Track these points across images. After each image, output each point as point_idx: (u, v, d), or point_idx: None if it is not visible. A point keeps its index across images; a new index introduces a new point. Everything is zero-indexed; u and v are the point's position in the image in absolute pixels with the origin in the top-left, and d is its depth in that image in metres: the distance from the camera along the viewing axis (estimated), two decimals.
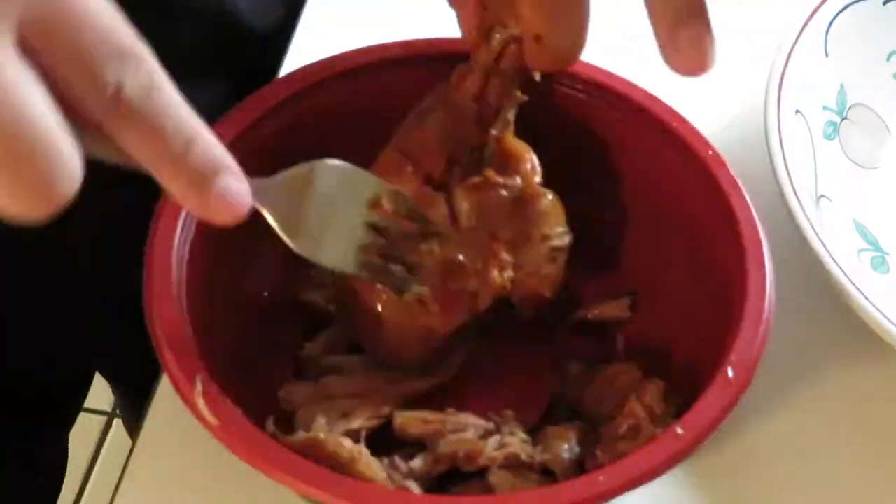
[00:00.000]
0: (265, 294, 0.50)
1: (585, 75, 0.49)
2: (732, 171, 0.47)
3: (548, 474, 0.44)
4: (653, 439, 0.41)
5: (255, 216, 0.38)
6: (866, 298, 0.48)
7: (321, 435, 0.42)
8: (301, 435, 0.42)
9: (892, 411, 0.52)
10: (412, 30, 0.51)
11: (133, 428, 0.50)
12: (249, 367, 0.47)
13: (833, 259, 0.49)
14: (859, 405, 0.52)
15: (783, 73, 0.55)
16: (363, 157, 0.45)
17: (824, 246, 0.49)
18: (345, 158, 0.42)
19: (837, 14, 0.58)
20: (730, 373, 0.41)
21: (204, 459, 0.48)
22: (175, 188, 0.33)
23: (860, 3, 0.59)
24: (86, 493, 0.99)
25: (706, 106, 0.49)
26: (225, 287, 0.47)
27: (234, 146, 0.35)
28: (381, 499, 0.39)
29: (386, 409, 0.46)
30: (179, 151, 0.33)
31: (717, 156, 0.47)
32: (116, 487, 0.48)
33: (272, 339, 0.49)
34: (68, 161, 0.30)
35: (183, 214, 0.44)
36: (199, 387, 0.39)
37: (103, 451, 1.07)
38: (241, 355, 0.47)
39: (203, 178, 0.33)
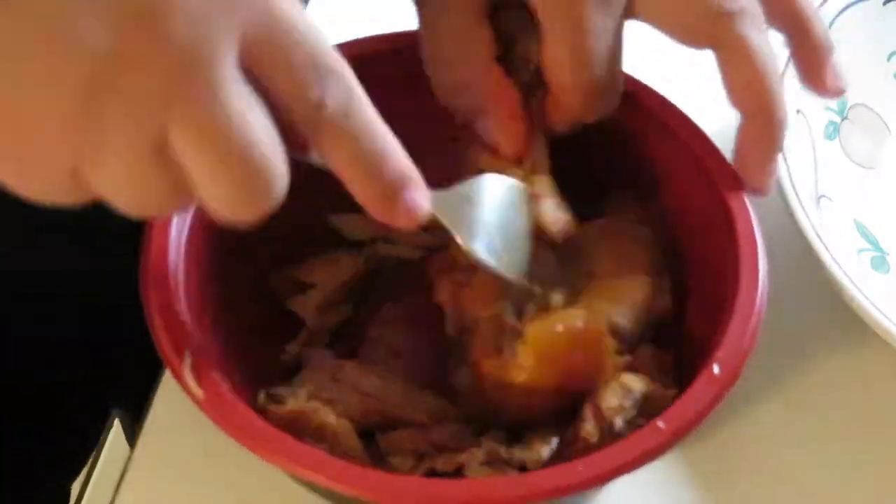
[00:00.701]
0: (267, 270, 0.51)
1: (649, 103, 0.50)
2: (732, 166, 0.47)
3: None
4: (634, 433, 0.41)
5: None
6: (866, 298, 0.48)
7: (309, 405, 0.42)
8: (290, 404, 0.42)
9: (885, 404, 0.52)
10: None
11: (131, 435, 0.50)
12: (252, 337, 0.47)
13: (833, 259, 0.49)
14: (853, 398, 0.52)
15: (784, 73, 0.55)
16: None
17: (825, 246, 0.49)
18: None
19: (838, 14, 0.58)
20: (716, 369, 0.41)
21: (204, 460, 0.48)
22: (366, 198, 0.36)
23: (860, 4, 0.59)
24: (86, 493, 0.99)
25: (707, 105, 0.49)
26: (225, 268, 0.47)
27: None
28: (363, 479, 0.39)
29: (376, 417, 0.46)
30: (373, 165, 0.35)
31: (716, 152, 0.48)
32: (117, 488, 0.48)
33: (273, 313, 0.50)
34: (281, 173, 0.33)
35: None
36: (187, 359, 0.40)
37: (104, 452, 1.07)
38: (241, 329, 0.47)
39: (393, 191, 0.36)
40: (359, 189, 0.36)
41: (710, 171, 0.47)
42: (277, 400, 0.43)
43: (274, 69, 0.33)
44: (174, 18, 0.30)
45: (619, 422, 0.42)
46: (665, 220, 0.50)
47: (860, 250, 0.55)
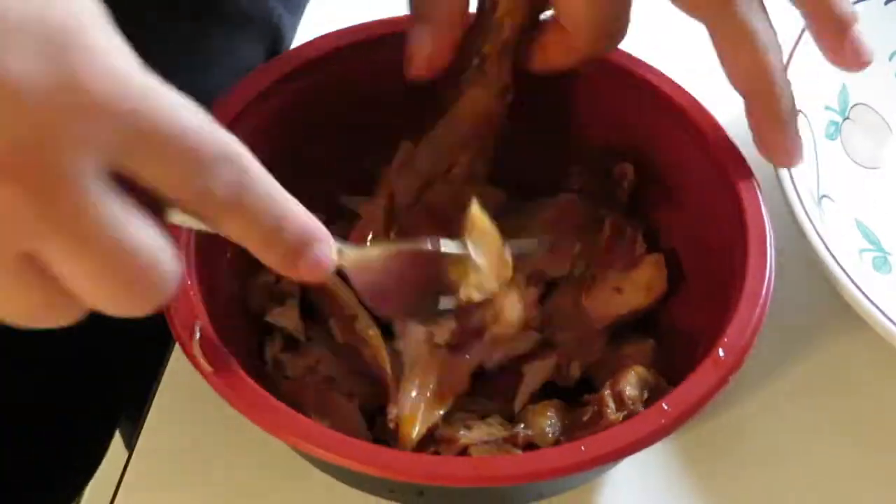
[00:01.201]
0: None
1: (631, 68, 0.50)
2: (746, 159, 0.47)
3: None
4: (637, 415, 0.41)
5: None
6: (867, 298, 0.48)
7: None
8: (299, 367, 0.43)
9: (878, 394, 0.52)
10: None
11: (131, 435, 0.50)
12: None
13: (835, 259, 0.49)
14: (847, 388, 0.53)
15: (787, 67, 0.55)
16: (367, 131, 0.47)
17: (826, 246, 0.49)
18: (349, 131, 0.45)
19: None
20: (721, 353, 0.41)
21: (203, 461, 0.48)
22: (269, 262, 0.36)
23: (862, 3, 0.59)
24: (86, 493, 0.99)
25: (708, 105, 0.49)
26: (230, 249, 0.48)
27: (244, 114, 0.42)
28: (365, 453, 0.39)
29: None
30: (272, 232, 0.35)
31: (732, 146, 0.48)
32: (116, 488, 0.48)
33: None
34: (170, 268, 0.33)
35: None
36: (196, 334, 0.40)
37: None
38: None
39: (295, 252, 0.36)
40: (261, 255, 0.36)
41: (718, 158, 0.47)
42: (284, 372, 0.44)
43: (150, 171, 0.32)
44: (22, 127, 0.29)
45: (640, 408, 0.43)
46: (662, 205, 0.51)
47: (862, 250, 0.55)
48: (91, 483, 0.69)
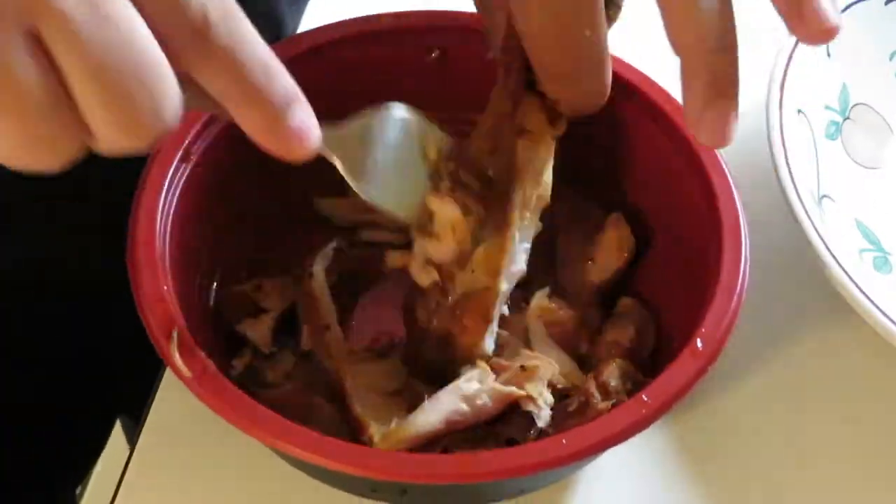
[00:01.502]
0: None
1: None
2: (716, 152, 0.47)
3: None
4: (617, 407, 0.42)
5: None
6: (868, 298, 0.48)
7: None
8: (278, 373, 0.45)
9: (864, 381, 0.53)
10: None
11: (132, 434, 0.50)
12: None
13: (835, 259, 0.49)
14: (834, 374, 0.53)
15: (785, 73, 0.55)
16: None
17: (826, 246, 0.49)
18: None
19: (840, 14, 0.58)
20: (699, 344, 0.41)
21: (203, 461, 0.48)
22: (255, 120, 0.34)
23: (862, 3, 0.59)
24: (86, 493, 0.99)
25: None
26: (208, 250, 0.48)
27: None
28: (344, 452, 0.39)
29: None
30: (260, 81, 0.33)
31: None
32: (117, 488, 0.48)
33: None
34: (172, 91, 0.31)
35: (165, 184, 0.45)
36: (174, 339, 0.40)
37: (104, 453, 1.07)
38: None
39: (281, 108, 0.34)
40: (246, 113, 0.34)
41: (692, 151, 0.47)
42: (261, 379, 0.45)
43: None
44: None
45: (624, 399, 0.43)
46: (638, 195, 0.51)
47: (862, 251, 0.55)
48: (91, 483, 0.69)
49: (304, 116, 0.34)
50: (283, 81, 0.34)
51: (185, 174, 0.46)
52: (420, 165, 0.43)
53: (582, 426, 0.40)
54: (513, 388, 0.44)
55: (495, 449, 0.43)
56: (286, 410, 0.41)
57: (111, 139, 0.32)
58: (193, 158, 0.46)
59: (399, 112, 0.43)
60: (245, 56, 0.33)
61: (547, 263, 0.51)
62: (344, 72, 0.50)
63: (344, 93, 0.49)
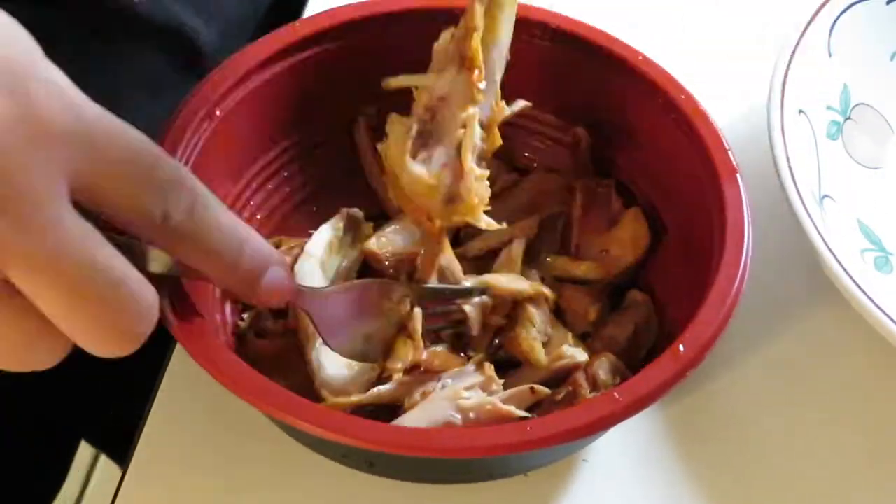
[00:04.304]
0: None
1: (585, 34, 0.51)
2: (729, 149, 0.47)
3: None
4: (586, 402, 0.42)
5: None
6: (869, 298, 0.48)
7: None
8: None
9: (855, 372, 0.53)
10: None
11: (129, 439, 0.50)
12: None
13: (836, 259, 0.49)
14: (827, 365, 0.53)
15: (786, 73, 0.55)
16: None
17: (827, 246, 0.49)
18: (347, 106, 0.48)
19: (841, 14, 0.58)
20: (681, 348, 0.41)
21: (202, 464, 0.48)
22: (230, 287, 0.38)
23: (863, 3, 0.59)
24: (86, 494, 0.99)
25: (709, 105, 0.49)
26: None
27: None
28: (324, 417, 0.40)
29: None
30: (231, 258, 0.37)
31: (713, 129, 0.48)
32: (117, 489, 0.48)
33: None
34: (147, 297, 0.33)
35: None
36: (165, 290, 0.40)
37: (101, 459, 1.07)
38: None
39: (253, 276, 0.38)
40: (221, 281, 0.38)
41: (705, 148, 0.47)
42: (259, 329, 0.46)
43: (109, 196, 0.33)
44: None
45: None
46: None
47: (863, 250, 0.55)
48: (92, 482, 0.69)
49: (275, 277, 0.38)
50: (252, 251, 0.37)
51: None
52: (388, 326, 0.46)
53: (543, 418, 0.41)
54: (511, 409, 0.44)
55: (442, 430, 0.43)
56: (269, 362, 0.42)
57: (95, 352, 0.34)
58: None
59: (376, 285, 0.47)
60: (213, 240, 0.36)
61: (561, 247, 0.52)
62: (359, 53, 0.51)
63: (348, 76, 0.51)
